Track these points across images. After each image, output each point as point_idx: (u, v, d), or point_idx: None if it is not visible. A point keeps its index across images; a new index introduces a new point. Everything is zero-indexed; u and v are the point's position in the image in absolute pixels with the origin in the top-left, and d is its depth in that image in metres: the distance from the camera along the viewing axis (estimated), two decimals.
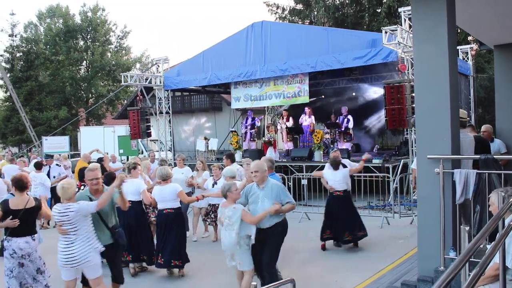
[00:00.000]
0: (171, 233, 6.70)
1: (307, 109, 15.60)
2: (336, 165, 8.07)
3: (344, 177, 8.05)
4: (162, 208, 6.83)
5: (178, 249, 6.75)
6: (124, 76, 16.16)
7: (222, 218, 5.40)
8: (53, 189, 10.05)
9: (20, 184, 5.34)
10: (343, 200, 8.04)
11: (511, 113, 8.14)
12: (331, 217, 8.03)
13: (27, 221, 5.29)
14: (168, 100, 16.89)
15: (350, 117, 14.97)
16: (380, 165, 11.80)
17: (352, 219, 8.00)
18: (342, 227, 7.88)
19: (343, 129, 14.88)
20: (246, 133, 16.53)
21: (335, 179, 8.05)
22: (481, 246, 2.33)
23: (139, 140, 19.17)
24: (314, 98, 17.25)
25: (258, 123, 16.78)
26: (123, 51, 41.38)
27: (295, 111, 16.89)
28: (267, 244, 5.41)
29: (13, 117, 33.23)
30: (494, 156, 4.87)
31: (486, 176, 4.70)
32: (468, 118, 7.08)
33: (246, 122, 16.67)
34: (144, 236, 7.08)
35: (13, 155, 16.93)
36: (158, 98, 16.76)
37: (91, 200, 5.17)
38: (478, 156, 4.95)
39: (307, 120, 15.52)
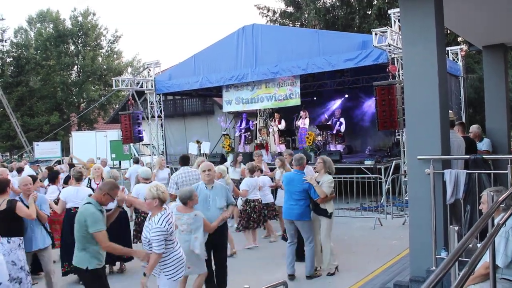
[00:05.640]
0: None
1: (302, 112, 15.60)
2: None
3: None
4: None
5: None
6: (115, 81, 16.08)
7: (179, 223, 5.24)
8: None
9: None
10: None
11: (501, 112, 8.23)
12: None
13: (2, 222, 5.34)
14: (160, 104, 16.86)
15: (342, 120, 15.01)
16: (372, 166, 11.85)
17: None
18: None
19: (335, 131, 14.93)
20: (240, 136, 16.53)
21: None
22: (470, 245, 2.34)
23: (131, 144, 19.14)
24: (308, 99, 17.33)
25: (252, 127, 16.78)
26: (114, 56, 41.23)
27: (287, 113, 16.90)
28: (219, 244, 5.85)
29: (3, 123, 32.97)
30: (484, 156, 4.91)
31: (476, 176, 4.73)
32: (456, 117, 7.17)
33: (240, 125, 16.67)
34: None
35: (3, 162, 16.84)
36: (149, 102, 16.72)
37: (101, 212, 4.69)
38: (468, 156, 4.98)
39: (305, 123, 15.59)
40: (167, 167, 13.57)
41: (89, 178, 8.40)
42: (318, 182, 6.56)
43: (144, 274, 4.42)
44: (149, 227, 4.52)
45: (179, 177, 7.30)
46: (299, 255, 6.93)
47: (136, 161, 13.33)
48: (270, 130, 16.69)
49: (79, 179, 7.42)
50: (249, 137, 16.46)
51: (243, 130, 16.40)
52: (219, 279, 5.84)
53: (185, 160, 7.88)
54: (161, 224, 4.43)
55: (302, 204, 6.57)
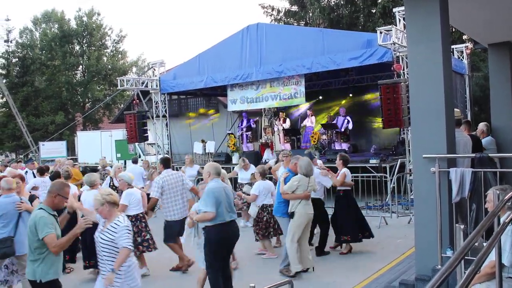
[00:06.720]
0: None
1: (309, 112, 15.57)
2: None
3: None
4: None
5: None
6: (120, 80, 16.13)
7: None
8: None
9: None
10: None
11: (506, 110, 8.19)
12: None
13: None
14: (165, 104, 16.88)
15: (349, 118, 14.98)
16: (377, 165, 11.82)
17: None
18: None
19: (342, 130, 14.89)
20: (242, 135, 16.55)
21: None
22: (476, 244, 2.34)
23: (136, 144, 19.16)
24: (313, 100, 17.32)
25: (253, 125, 16.78)
26: (119, 55, 41.32)
27: (291, 112, 16.91)
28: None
29: (9, 123, 33.17)
30: (489, 155, 4.89)
31: (481, 174, 4.71)
32: (462, 115, 7.16)
33: (241, 125, 16.68)
34: None
35: (9, 162, 16.96)
36: (154, 101, 16.75)
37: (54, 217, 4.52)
38: (473, 155, 4.96)
39: (312, 122, 15.56)
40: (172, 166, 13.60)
41: (110, 177, 8.68)
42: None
43: (113, 270, 4.30)
44: (111, 229, 4.38)
45: (164, 180, 7.21)
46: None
47: (135, 161, 13.32)
48: (275, 129, 16.69)
49: (67, 178, 7.80)
50: (251, 135, 16.46)
51: (244, 129, 16.41)
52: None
53: (166, 163, 7.63)
54: (127, 223, 4.51)
55: (277, 199, 7.03)
